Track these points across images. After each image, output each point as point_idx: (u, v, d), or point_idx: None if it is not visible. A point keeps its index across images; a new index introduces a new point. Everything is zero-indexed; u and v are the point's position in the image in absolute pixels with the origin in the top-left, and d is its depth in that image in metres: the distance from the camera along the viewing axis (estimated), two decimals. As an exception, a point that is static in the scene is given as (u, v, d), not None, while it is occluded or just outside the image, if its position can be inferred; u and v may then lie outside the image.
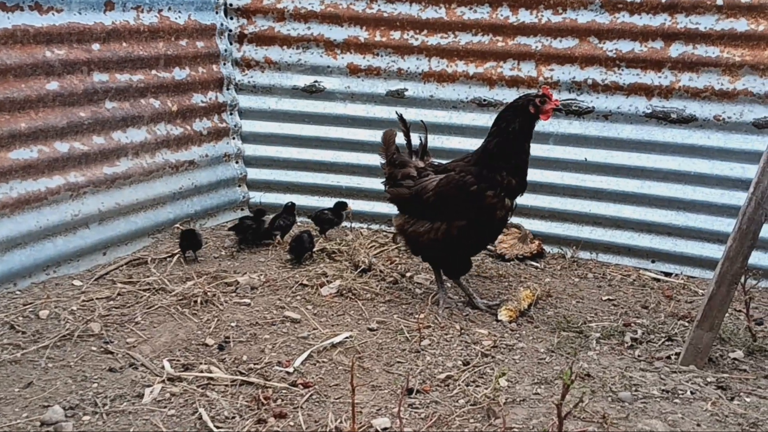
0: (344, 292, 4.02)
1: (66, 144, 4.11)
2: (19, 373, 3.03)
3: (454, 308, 3.88)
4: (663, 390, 3.09)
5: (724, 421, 2.86)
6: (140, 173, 4.52)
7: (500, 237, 4.75)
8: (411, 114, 5.00)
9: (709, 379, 3.20)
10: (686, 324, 3.80)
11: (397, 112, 4.21)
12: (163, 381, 3.02)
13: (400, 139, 4.22)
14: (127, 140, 4.46)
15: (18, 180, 3.87)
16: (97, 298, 3.74)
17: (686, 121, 4.52)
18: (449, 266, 3.92)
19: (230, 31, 5.18)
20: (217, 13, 5.08)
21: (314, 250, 4.51)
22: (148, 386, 2.97)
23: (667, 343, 3.62)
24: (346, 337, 3.50)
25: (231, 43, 5.20)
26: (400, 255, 4.66)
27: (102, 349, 3.27)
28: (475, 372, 3.23)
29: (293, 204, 4.85)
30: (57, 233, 4.04)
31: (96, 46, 4.29)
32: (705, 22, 4.39)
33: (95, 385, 2.97)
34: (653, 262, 4.67)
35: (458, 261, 3.89)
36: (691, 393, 3.07)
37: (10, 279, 3.79)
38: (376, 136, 5.12)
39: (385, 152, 4.17)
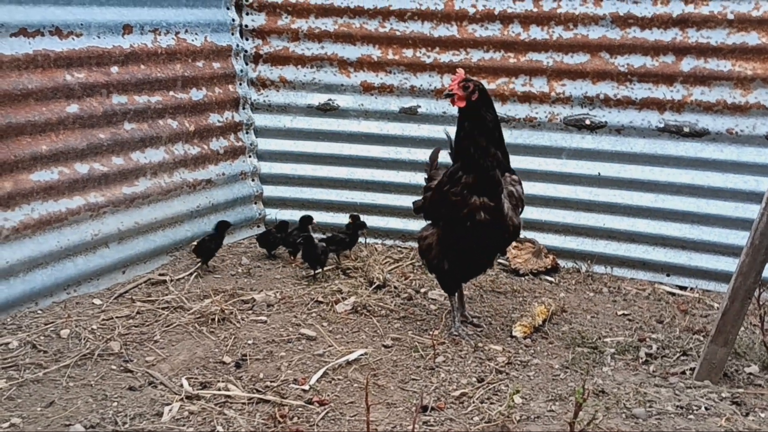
0: (359, 308, 4.06)
1: (86, 165, 4.19)
2: (41, 392, 3.09)
3: (468, 326, 3.90)
4: (677, 406, 3.10)
5: (739, 437, 2.87)
6: (158, 192, 4.60)
7: (514, 252, 4.79)
8: (424, 131, 5.09)
9: (723, 395, 3.20)
10: (701, 338, 3.79)
11: (445, 131, 4.15)
12: (181, 399, 3.07)
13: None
14: (146, 160, 4.54)
15: (39, 201, 3.95)
16: (116, 317, 3.81)
17: (699, 134, 4.53)
18: (442, 276, 3.85)
19: (246, 51, 5.27)
20: (232, 34, 5.17)
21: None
22: (167, 404, 3.02)
23: (682, 358, 3.62)
24: (361, 354, 3.54)
25: (246, 64, 5.28)
26: (415, 271, 4.69)
27: (122, 368, 3.33)
28: (489, 389, 3.25)
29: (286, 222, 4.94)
30: (77, 253, 4.12)
31: (115, 69, 4.38)
32: (716, 36, 4.40)
33: (115, 403, 3.03)
34: (668, 275, 4.67)
35: (449, 272, 3.78)
36: (706, 409, 3.07)
37: (32, 298, 3.87)
38: (389, 152, 5.22)
39: (429, 169, 4.23)
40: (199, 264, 4.54)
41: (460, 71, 3.64)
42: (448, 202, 3.61)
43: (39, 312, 3.82)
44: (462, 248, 3.70)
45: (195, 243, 4.62)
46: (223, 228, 4.67)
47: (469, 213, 3.54)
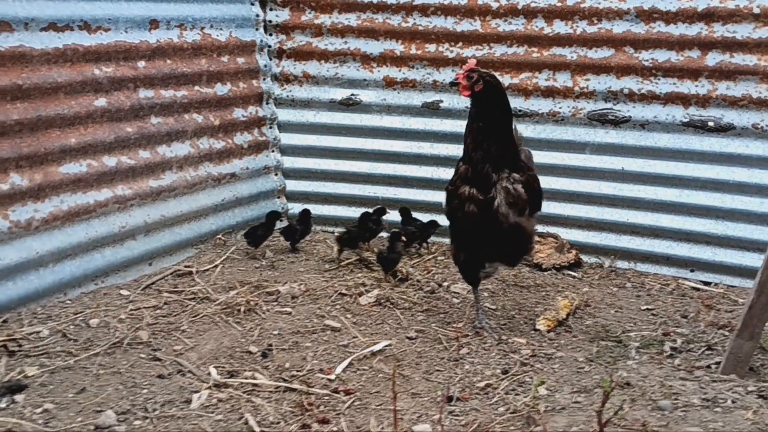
0: (382, 301, 4.08)
1: (114, 158, 4.25)
2: (72, 380, 3.14)
3: (492, 320, 3.91)
4: (703, 399, 3.09)
5: (766, 430, 2.86)
6: (184, 186, 4.65)
7: (537, 246, 4.78)
8: (447, 126, 5.10)
9: (750, 388, 3.18)
10: (726, 333, 3.78)
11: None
12: (209, 387, 3.11)
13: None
14: (172, 154, 4.59)
15: (68, 193, 4.01)
16: (144, 307, 3.86)
17: (724, 129, 4.51)
18: (459, 268, 3.87)
19: (270, 47, 5.31)
20: (257, 29, 5.21)
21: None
22: (196, 392, 3.06)
23: (707, 352, 3.61)
24: (386, 346, 3.56)
25: (270, 59, 5.33)
26: (437, 264, 4.71)
27: (150, 357, 3.38)
28: (514, 380, 3.26)
29: (308, 211, 5.00)
30: (105, 244, 4.17)
31: (141, 64, 4.43)
32: (742, 31, 4.38)
33: (145, 390, 3.07)
34: (692, 271, 4.64)
35: (464, 263, 3.80)
36: (732, 402, 3.06)
37: (61, 289, 3.92)
38: (411, 147, 5.24)
39: None
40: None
41: (471, 61, 3.63)
42: (447, 192, 3.70)
43: (68, 302, 3.88)
44: (463, 241, 3.73)
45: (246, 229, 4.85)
46: (273, 218, 4.84)
47: (459, 204, 3.58)
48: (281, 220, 5.38)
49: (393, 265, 4.37)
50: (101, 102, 4.19)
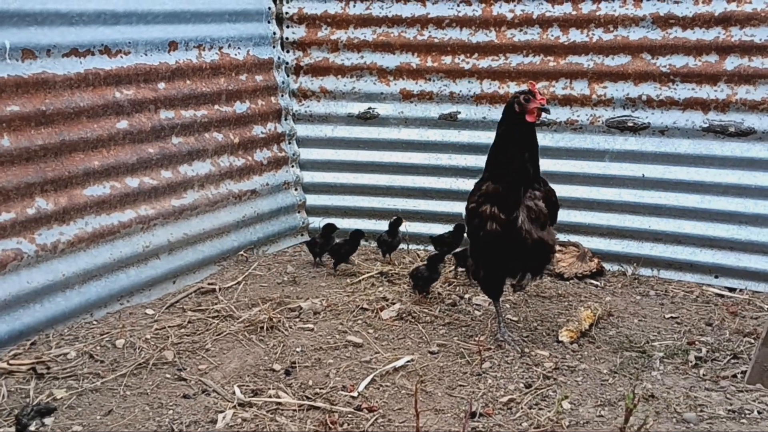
0: (404, 315, 4.10)
1: (136, 179, 4.32)
2: (100, 401, 3.19)
3: (514, 332, 3.91)
4: (729, 410, 3.07)
5: (795, 441, 2.83)
6: (206, 204, 4.71)
7: (558, 255, 4.77)
8: (464, 136, 5.12)
9: (777, 399, 3.15)
10: (752, 341, 3.74)
11: None
12: (234, 406, 3.14)
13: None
14: (193, 173, 4.65)
15: (93, 215, 4.08)
16: (169, 326, 3.90)
17: (745, 134, 4.47)
18: (480, 284, 3.88)
19: (287, 63, 5.36)
20: (274, 47, 5.27)
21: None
22: (221, 412, 3.10)
23: (732, 361, 3.57)
24: (408, 361, 3.57)
25: (288, 75, 5.38)
26: (458, 277, 4.71)
27: (176, 376, 3.42)
28: (537, 394, 3.25)
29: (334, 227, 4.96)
30: (129, 264, 4.23)
31: (161, 85, 4.50)
32: (760, 34, 4.35)
33: (171, 411, 3.12)
34: (716, 277, 4.60)
35: (485, 279, 3.79)
36: (758, 413, 3.03)
37: (87, 309, 3.99)
38: (430, 159, 5.26)
39: None
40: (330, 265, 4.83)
41: (532, 83, 3.58)
42: (467, 210, 3.70)
43: (94, 322, 3.94)
44: (485, 258, 3.73)
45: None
46: (357, 237, 4.82)
47: (481, 223, 3.57)
48: (301, 234, 5.43)
49: (428, 286, 4.35)
50: (123, 124, 4.26)
